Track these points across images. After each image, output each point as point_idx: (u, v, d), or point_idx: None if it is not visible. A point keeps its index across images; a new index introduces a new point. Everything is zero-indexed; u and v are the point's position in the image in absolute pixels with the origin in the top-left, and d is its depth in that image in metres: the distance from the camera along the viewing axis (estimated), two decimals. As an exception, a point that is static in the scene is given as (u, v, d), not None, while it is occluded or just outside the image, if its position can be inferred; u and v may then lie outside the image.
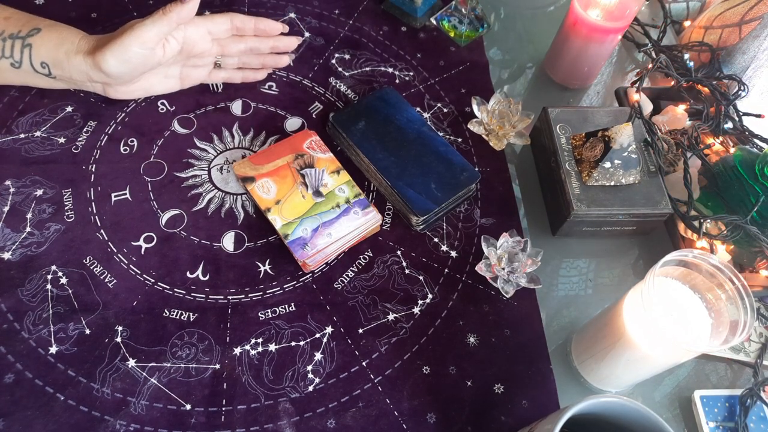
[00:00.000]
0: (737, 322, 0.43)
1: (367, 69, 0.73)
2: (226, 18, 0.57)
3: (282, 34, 0.66)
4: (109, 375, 0.51)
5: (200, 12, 0.75)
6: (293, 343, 0.54)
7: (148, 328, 0.53)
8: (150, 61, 0.54)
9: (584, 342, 0.54)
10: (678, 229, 0.62)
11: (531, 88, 0.76)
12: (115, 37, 0.54)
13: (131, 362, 0.51)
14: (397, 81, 0.72)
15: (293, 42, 0.64)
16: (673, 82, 0.72)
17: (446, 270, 0.60)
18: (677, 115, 0.67)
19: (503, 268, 0.57)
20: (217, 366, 0.52)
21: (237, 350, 0.53)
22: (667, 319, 0.42)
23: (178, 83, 0.61)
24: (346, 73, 0.72)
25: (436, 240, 0.61)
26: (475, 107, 0.67)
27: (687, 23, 0.81)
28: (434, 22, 0.78)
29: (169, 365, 0.52)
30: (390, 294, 0.57)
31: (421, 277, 0.59)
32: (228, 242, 0.59)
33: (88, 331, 0.52)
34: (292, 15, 0.76)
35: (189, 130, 0.65)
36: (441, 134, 0.67)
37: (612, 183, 0.59)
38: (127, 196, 0.60)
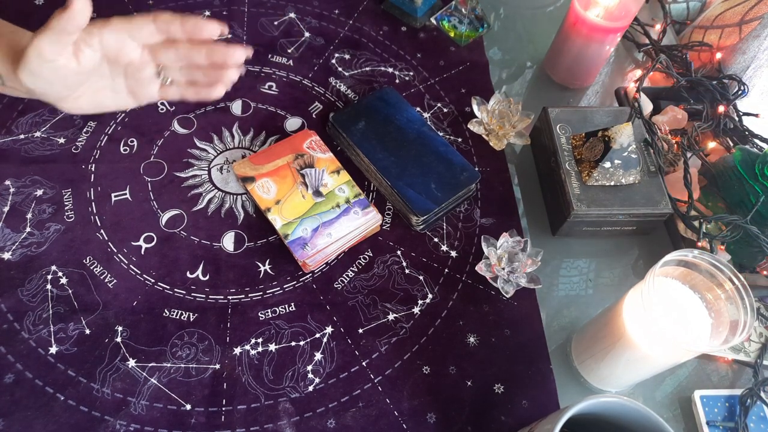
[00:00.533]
0: (737, 322, 0.43)
1: (367, 69, 0.73)
2: (147, 19, 0.47)
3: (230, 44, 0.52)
4: (109, 375, 0.51)
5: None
6: (293, 343, 0.54)
7: (148, 328, 0.53)
8: (65, 73, 0.46)
9: (584, 342, 0.54)
10: (678, 229, 0.62)
11: (531, 88, 0.76)
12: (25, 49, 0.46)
13: (131, 362, 0.51)
14: (397, 81, 0.72)
15: (234, 54, 0.49)
16: (673, 82, 0.72)
17: (446, 270, 0.60)
18: (677, 115, 0.67)
19: (503, 268, 0.57)
20: (217, 366, 0.52)
21: (237, 350, 0.53)
22: (667, 319, 0.42)
23: (131, 99, 0.52)
24: (346, 73, 0.72)
25: (436, 240, 0.61)
26: (475, 107, 0.67)
27: (687, 23, 0.81)
28: (434, 22, 0.78)
29: (169, 365, 0.52)
30: (390, 294, 0.57)
31: (421, 277, 0.59)
32: (228, 242, 0.59)
33: (88, 331, 0.52)
34: (292, 15, 0.76)
35: (189, 130, 0.65)
36: (441, 134, 0.67)
37: (612, 183, 0.59)
38: (127, 196, 0.60)
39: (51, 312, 0.53)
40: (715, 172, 0.62)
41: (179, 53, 0.50)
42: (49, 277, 0.54)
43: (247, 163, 0.60)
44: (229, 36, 0.73)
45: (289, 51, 0.73)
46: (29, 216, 0.57)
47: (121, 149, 0.63)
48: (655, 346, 0.45)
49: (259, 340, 0.54)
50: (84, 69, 0.47)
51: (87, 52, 0.46)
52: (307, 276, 0.58)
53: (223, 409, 0.50)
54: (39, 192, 0.59)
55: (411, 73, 0.73)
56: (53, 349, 0.51)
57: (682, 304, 0.46)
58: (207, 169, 0.63)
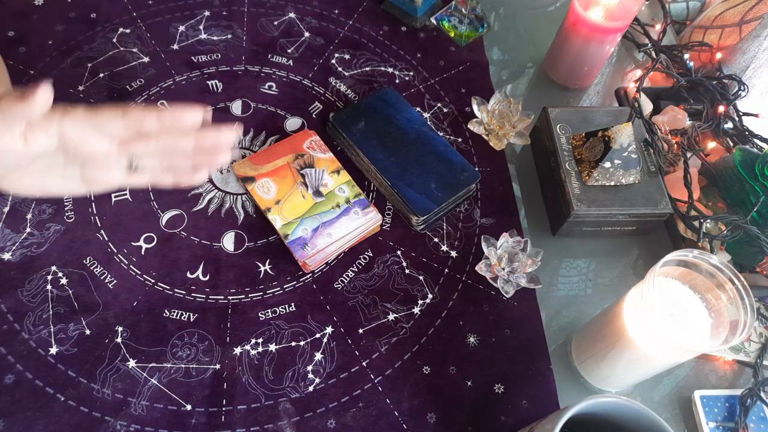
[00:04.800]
0: (737, 322, 0.43)
1: (367, 69, 0.73)
2: (115, 114, 0.40)
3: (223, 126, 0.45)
4: (110, 375, 0.51)
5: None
6: (293, 343, 0.54)
7: (149, 328, 0.53)
8: (6, 153, 0.39)
9: (584, 342, 0.54)
10: (678, 229, 0.62)
11: (531, 88, 0.76)
12: None
13: (131, 363, 0.51)
14: (397, 81, 0.72)
15: (225, 137, 0.43)
16: (673, 82, 0.72)
17: (446, 270, 0.60)
18: (677, 115, 0.67)
19: (503, 268, 0.57)
20: (218, 366, 0.52)
21: (237, 350, 0.53)
22: (667, 319, 0.42)
23: (83, 186, 0.44)
24: (346, 73, 0.72)
25: (436, 240, 0.61)
26: (475, 107, 0.67)
27: (687, 23, 0.81)
28: (434, 22, 0.78)
29: (169, 365, 0.52)
30: (390, 294, 0.57)
31: (421, 277, 0.59)
32: (228, 242, 0.59)
33: (88, 332, 0.52)
34: (292, 15, 0.76)
35: (189, 130, 0.65)
36: (441, 134, 0.67)
37: (612, 183, 0.59)
38: (127, 196, 0.60)
39: (51, 312, 0.53)
40: (715, 172, 0.62)
41: (159, 144, 0.42)
42: (49, 277, 0.54)
43: (247, 163, 0.60)
44: (229, 36, 0.73)
45: (289, 51, 0.73)
46: (29, 216, 0.57)
47: (121, 149, 0.63)
48: (655, 346, 0.45)
49: (260, 341, 0.54)
50: (32, 151, 0.40)
51: (40, 138, 0.39)
52: (307, 276, 0.58)
53: (224, 409, 0.50)
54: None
55: (411, 73, 0.73)
56: (53, 350, 0.51)
57: (682, 304, 0.46)
58: (207, 169, 0.63)
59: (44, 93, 0.36)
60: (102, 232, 0.58)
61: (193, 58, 0.71)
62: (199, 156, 0.44)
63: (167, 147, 0.43)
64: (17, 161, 0.40)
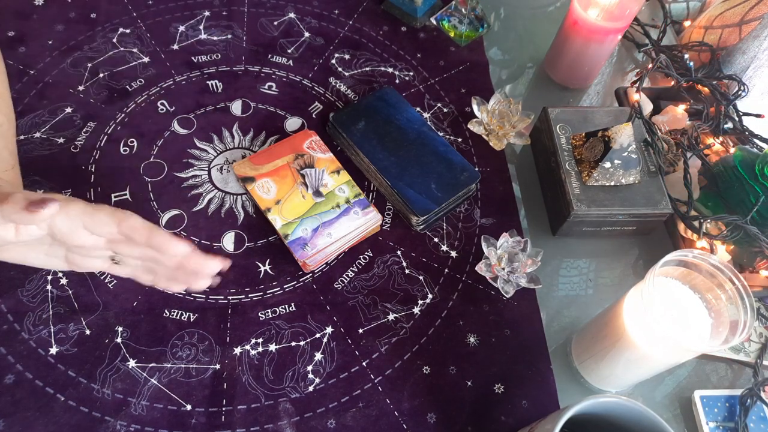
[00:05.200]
0: (737, 322, 0.43)
1: (367, 69, 0.73)
2: (111, 219, 0.40)
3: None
4: (110, 375, 0.51)
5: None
6: (293, 343, 0.54)
7: (148, 328, 0.53)
8: None
9: (584, 342, 0.54)
10: (678, 229, 0.62)
11: (531, 88, 0.76)
12: None
13: (131, 363, 0.51)
14: (397, 81, 0.72)
15: (211, 266, 0.43)
16: (673, 82, 0.72)
17: (446, 270, 0.60)
18: (677, 115, 0.67)
19: (503, 268, 0.57)
20: (218, 366, 0.52)
21: (237, 350, 0.53)
22: (667, 319, 0.42)
23: (65, 265, 0.45)
24: (346, 73, 0.72)
25: (436, 240, 0.61)
26: (475, 107, 0.67)
27: (687, 23, 0.81)
28: (434, 22, 0.78)
29: (169, 365, 0.52)
30: (390, 294, 0.57)
31: (421, 277, 0.59)
32: (228, 242, 0.59)
33: (88, 332, 0.52)
34: (292, 15, 0.76)
35: (189, 130, 0.65)
36: (441, 134, 0.67)
37: (612, 183, 0.59)
38: (127, 196, 0.60)
39: (51, 312, 0.53)
40: (715, 172, 0.62)
41: (143, 252, 0.43)
42: (49, 277, 0.54)
43: (247, 163, 0.60)
44: (229, 36, 0.73)
45: (289, 51, 0.73)
46: (29, 216, 0.57)
47: (121, 149, 0.63)
48: (655, 346, 0.45)
49: (260, 341, 0.54)
50: (19, 239, 0.40)
51: (32, 230, 0.40)
52: (307, 276, 0.58)
53: (224, 409, 0.50)
54: (39, 192, 0.59)
55: (411, 73, 0.73)
56: (53, 350, 0.51)
57: (682, 304, 0.46)
58: (207, 169, 0.63)
59: (50, 211, 0.37)
60: (102, 232, 0.58)
61: (193, 58, 0.71)
62: (180, 272, 0.44)
63: (151, 256, 0.43)
64: (4, 243, 0.41)
